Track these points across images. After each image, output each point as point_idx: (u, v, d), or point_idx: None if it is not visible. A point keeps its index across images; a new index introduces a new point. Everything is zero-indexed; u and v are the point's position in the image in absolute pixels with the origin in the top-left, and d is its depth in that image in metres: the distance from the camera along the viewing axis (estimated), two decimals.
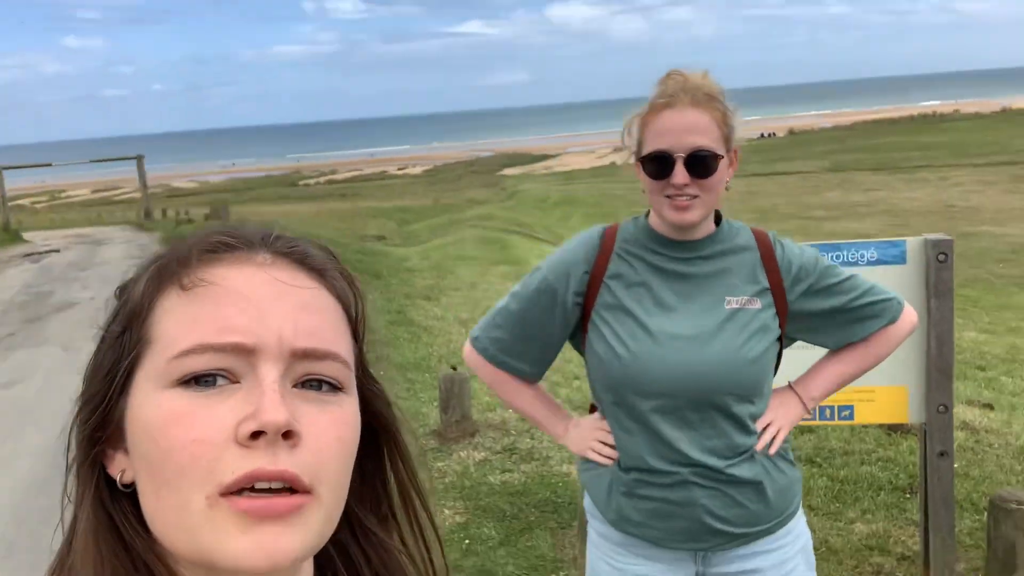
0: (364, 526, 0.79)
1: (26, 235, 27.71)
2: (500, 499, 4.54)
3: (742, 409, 1.93)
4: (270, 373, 0.65)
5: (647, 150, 1.88)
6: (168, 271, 0.70)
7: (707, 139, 1.85)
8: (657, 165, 1.86)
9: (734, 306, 1.94)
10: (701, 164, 1.84)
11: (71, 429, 0.71)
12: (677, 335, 1.91)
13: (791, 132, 73.39)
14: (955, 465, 3.76)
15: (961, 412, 5.41)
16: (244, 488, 0.63)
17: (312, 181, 73.19)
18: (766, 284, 1.96)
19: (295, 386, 0.67)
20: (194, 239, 0.72)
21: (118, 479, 0.69)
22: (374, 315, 9.80)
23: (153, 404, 0.65)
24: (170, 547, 0.66)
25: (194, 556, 0.65)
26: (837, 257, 3.26)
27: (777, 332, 1.97)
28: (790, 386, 2.07)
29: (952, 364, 3.28)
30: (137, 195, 37.86)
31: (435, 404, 5.45)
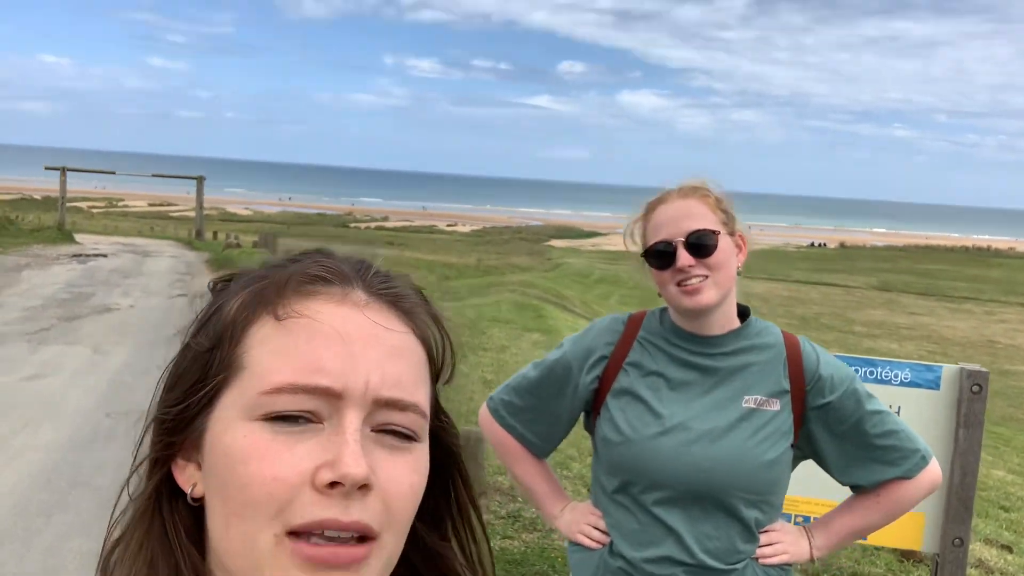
0: (425, 541, 0.81)
1: (78, 236, 28.31)
2: (497, 566, 4.46)
3: (749, 514, 1.88)
4: (353, 421, 0.66)
5: (648, 245, 1.93)
6: (264, 298, 0.70)
7: (703, 222, 1.89)
8: (660, 255, 1.90)
9: (751, 405, 1.90)
10: (702, 244, 1.87)
11: (145, 426, 0.72)
12: (688, 427, 1.88)
13: (842, 245, 73.13)
14: None
15: (978, 550, 5.26)
16: (312, 532, 0.64)
17: (363, 225, 74.18)
18: (786, 387, 1.91)
19: (373, 430, 0.68)
20: (293, 269, 0.71)
21: (189, 492, 0.70)
22: None
23: (237, 434, 0.66)
24: (235, 573, 0.67)
25: None
26: (871, 374, 3.22)
27: (792, 438, 1.91)
28: (804, 528, 2.02)
29: (973, 497, 3.20)
30: (191, 214, 38.61)
31: None
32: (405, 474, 0.68)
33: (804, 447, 1.96)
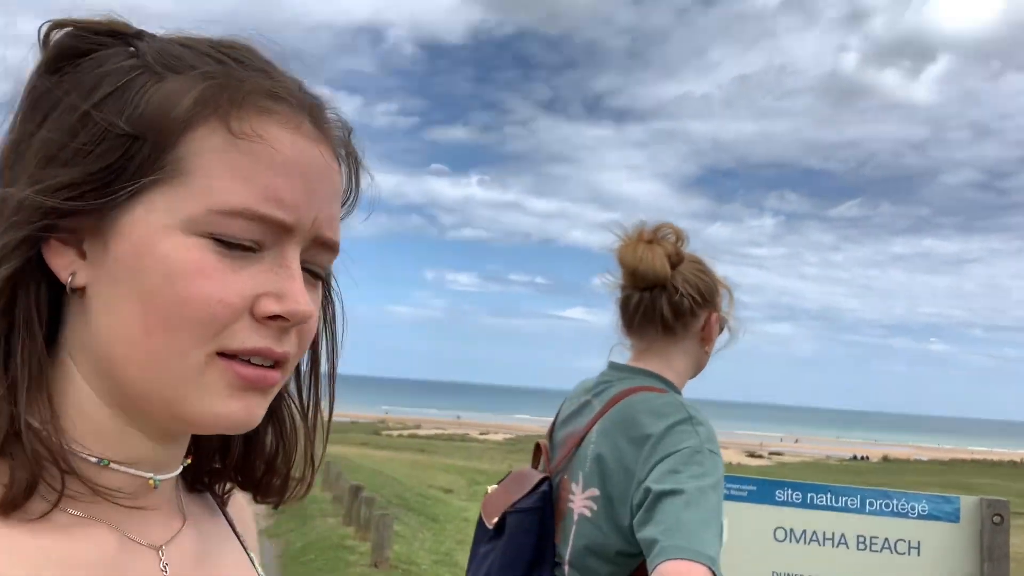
0: None
1: None
2: None
3: None
4: (296, 256, 0.66)
5: (731, 317, 2.18)
6: (216, 103, 0.64)
7: None
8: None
9: None
10: None
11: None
12: None
13: (885, 459, 71.15)
14: None
15: None
16: (242, 356, 0.65)
17: (395, 433, 73.95)
18: None
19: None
20: (248, 77, 0.66)
21: (68, 280, 0.64)
22: (421, 553, 9.54)
23: (177, 245, 0.62)
24: (120, 374, 0.64)
25: (157, 400, 0.64)
26: (886, 507, 3.11)
27: None
28: None
29: None
30: None
31: None
32: (316, 311, 0.69)
33: None
